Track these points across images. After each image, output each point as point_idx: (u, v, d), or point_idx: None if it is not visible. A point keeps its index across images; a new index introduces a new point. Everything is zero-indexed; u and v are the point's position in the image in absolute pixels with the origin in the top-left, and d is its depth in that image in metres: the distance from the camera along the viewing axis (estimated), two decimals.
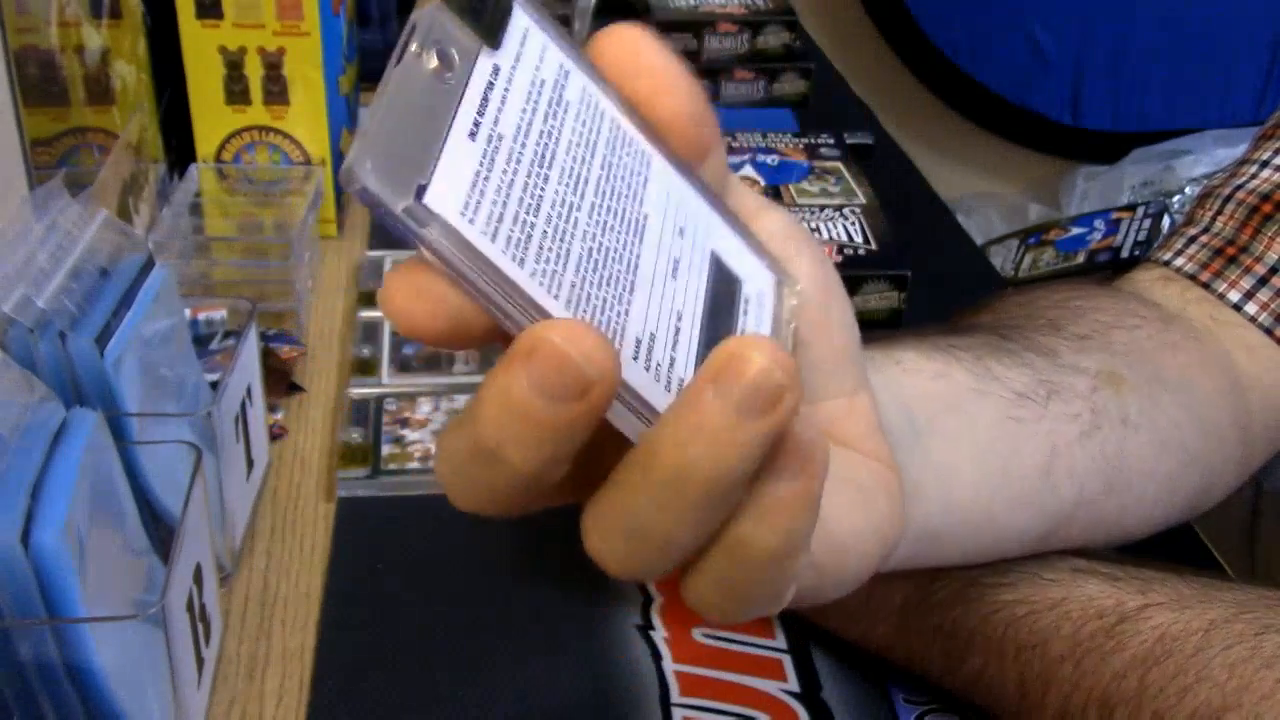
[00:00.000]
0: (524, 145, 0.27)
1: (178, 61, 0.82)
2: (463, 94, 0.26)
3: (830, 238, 0.79)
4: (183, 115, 0.84)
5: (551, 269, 0.26)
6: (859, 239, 0.79)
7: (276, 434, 0.66)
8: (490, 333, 0.26)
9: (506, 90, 0.27)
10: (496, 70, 0.27)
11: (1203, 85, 1.96)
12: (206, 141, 0.85)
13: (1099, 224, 1.82)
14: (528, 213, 0.26)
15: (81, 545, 0.41)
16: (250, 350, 0.59)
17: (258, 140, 0.85)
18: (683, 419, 0.25)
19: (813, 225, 0.80)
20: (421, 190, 0.24)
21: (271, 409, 0.67)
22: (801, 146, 0.92)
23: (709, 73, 1.11)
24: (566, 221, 0.27)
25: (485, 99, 0.26)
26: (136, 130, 0.75)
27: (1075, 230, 1.82)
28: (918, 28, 1.95)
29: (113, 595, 0.44)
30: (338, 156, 0.87)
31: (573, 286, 0.26)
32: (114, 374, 0.49)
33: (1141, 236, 1.77)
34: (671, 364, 0.27)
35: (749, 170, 0.89)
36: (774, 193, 0.86)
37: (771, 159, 0.90)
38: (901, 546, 0.37)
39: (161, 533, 0.50)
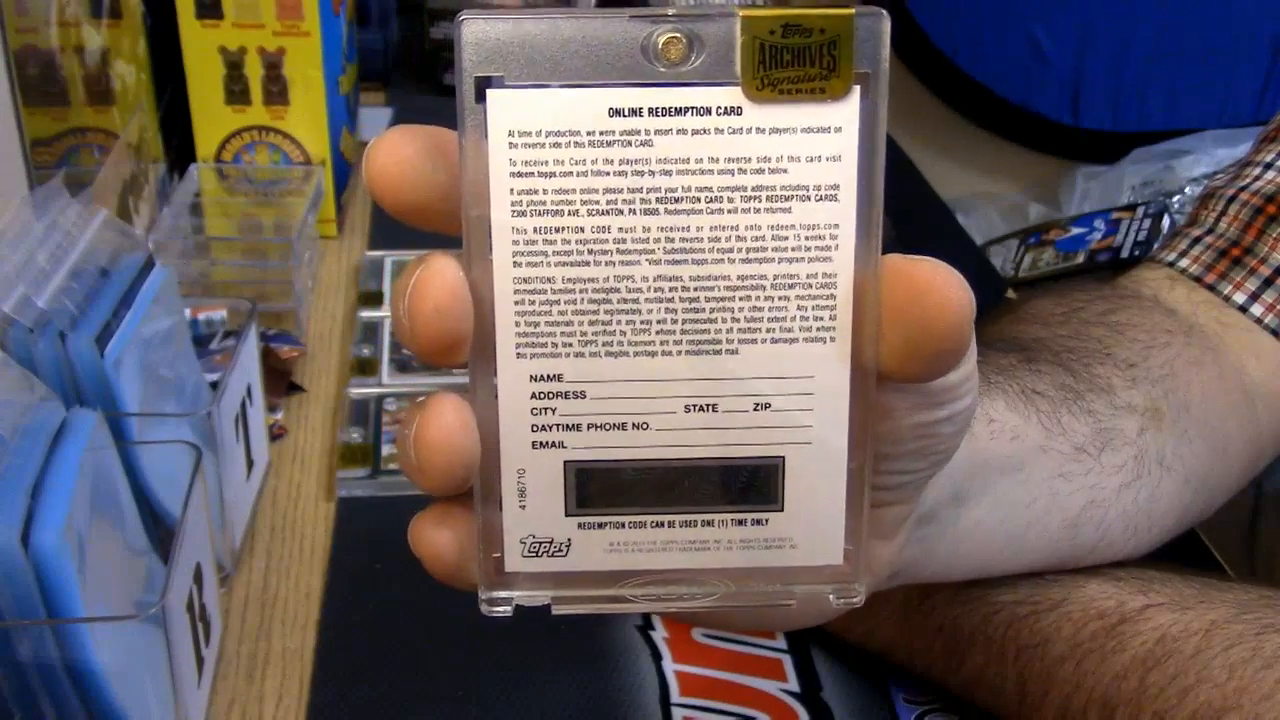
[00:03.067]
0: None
1: (178, 61, 0.82)
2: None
3: None
4: (183, 115, 0.84)
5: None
6: None
7: (276, 434, 0.66)
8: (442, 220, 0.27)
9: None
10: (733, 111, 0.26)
11: (1203, 85, 1.96)
12: (206, 141, 0.85)
13: (1099, 224, 1.81)
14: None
15: (81, 545, 0.41)
16: (250, 350, 0.59)
17: (258, 140, 0.85)
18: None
19: None
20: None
21: (271, 409, 0.67)
22: None
23: None
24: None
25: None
26: (136, 130, 0.75)
27: (1075, 230, 1.82)
28: (918, 28, 1.95)
29: (113, 595, 0.44)
30: (338, 156, 0.87)
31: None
32: (114, 374, 0.49)
33: (1141, 236, 1.76)
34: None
35: None
36: None
37: None
38: (899, 580, 0.37)
39: (161, 533, 0.50)
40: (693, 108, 0.26)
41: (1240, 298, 0.54)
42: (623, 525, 0.28)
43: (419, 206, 0.26)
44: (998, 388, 0.42)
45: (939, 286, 0.27)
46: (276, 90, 0.83)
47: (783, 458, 0.28)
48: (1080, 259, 1.80)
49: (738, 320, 0.27)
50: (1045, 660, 0.43)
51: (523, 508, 0.28)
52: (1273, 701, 0.38)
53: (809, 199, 0.26)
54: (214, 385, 0.56)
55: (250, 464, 0.59)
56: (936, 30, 1.95)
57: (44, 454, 0.42)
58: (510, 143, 0.26)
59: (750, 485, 0.28)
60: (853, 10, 0.25)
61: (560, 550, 0.29)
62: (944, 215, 1.01)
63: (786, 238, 0.27)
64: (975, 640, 0.45)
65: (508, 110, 0.25)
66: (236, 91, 0.83)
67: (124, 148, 0.72)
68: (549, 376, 0.27)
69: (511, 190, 0.26)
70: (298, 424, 0.68)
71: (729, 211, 0.26)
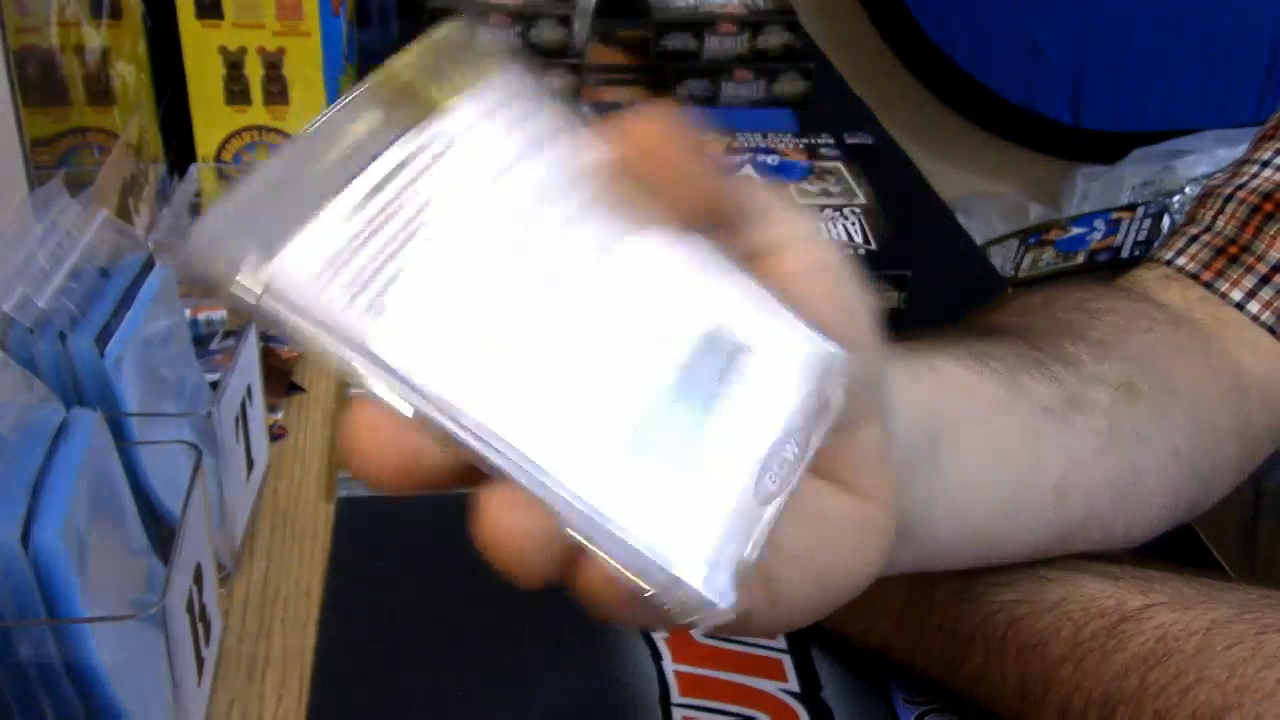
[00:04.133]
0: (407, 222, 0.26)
1: (178, 61, 0.82)
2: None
3: (830, 238, 0.79)
4: (183, 115, 0.84)
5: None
6: (859, 239, 0.79)
7: (276, 434, 0.66)
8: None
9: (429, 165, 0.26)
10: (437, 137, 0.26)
11: (1203, 85, 1.96)
12: (206, 141, 0.85)
13: (1099, 224, 1.82)
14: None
15: (81, 545, 0.41)
16: (250, 350, 0.59)
17: (258, 140, 0.85)
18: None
19: None
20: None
21: (271, 409, 0.67)
22: (801, 146, 0.92)
23: (709, 73, 1.11)
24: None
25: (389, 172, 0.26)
26: (136, 130, 0.75)
27: (1075, 230, 1.82)
28: (918, 28, 1.95)
29: (113, 595, 0.44)
30: None
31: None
32: (114, 374, 0.49)
33: (1141, 236, 1.77)
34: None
35: (749, 170, 0.89)
36: None
37: (771, 159, 0.90)
38: (901, 561, 0.37)
39: (161, 533, 0.50)
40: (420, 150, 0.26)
41: (1237, 295, 0.54)
42: None
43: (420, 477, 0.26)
44: (946, 351, 0.41)
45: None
46: (276, 90, 0.83)
47: None
48: (1080, 259, 1.80)
49: None
50: (1045, 659, 0.43)
51: None
52: (1273, 701, 0.38)
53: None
54: (214, 385, 0.56)
55: (250, 464, 0.59)
56: (936, 30, 1.95)
57: (44, 454, 0.42)
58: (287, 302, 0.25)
59: None
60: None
61: None
62: (944, 215, 1.01)
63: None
64: (975, 639, 0.45)
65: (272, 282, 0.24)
66: (236, 91, 0.83)
67: (124, 148, 0.71)
68: None
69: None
70: (298, 424, 0.68)
71: None
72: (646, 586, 0.25)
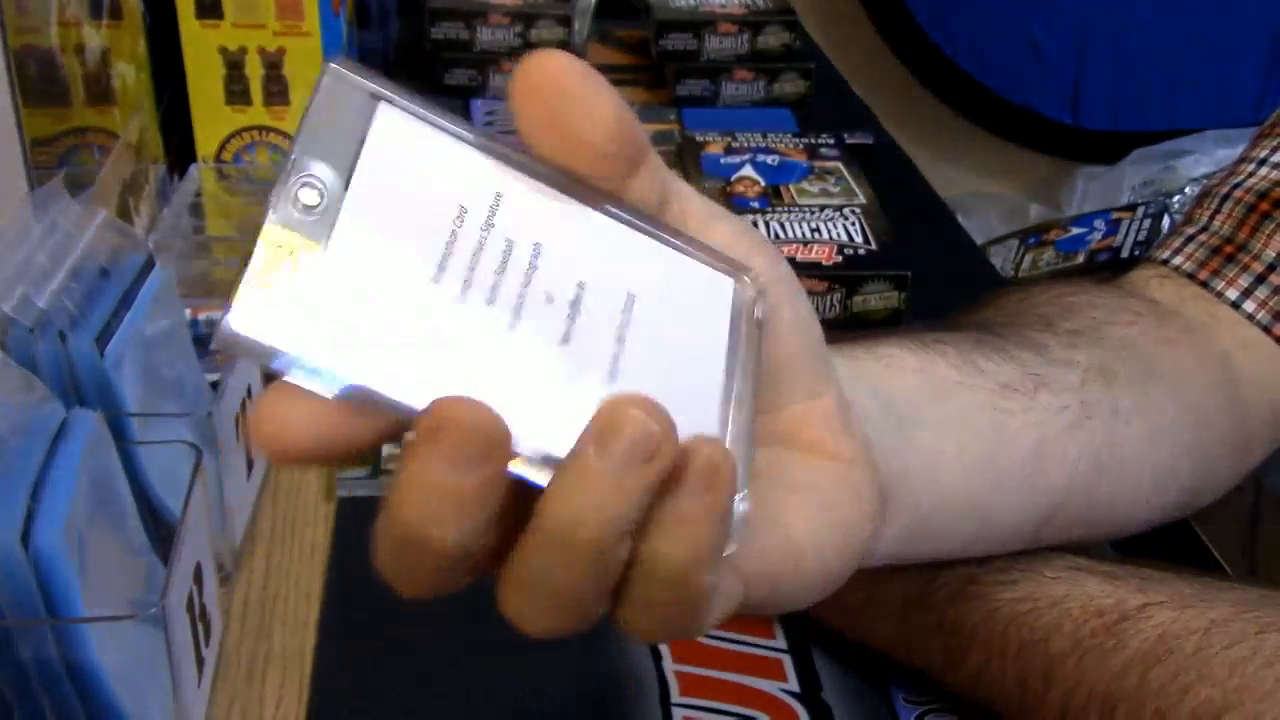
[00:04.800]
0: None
1: (178, 61, 0.82)
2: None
3: (830, 238, 0.79)
4: (183, 115, 0.84)
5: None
6: (859, 239, 0.79)
7: None
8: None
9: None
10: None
11: (1203, 85, 1.96)
12: (206, 141, 0.85)
13: (1099, 224, 1.82)
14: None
15: (81, 545, 0.41)
16: None
17: (258, 140, 0.85)
18: (569, 478, 0.26)
19: (813, 225, 0.80)
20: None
21: None
22: (801, 146, 0.92)
23: (709, 73, 1.11)
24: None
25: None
26: (136, 130, 0.75)
27: (1075, 230, 1.82)
28: (918, 28, 1.95)
29: (113, 595, 0.44)
30: None
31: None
32: (114, 374, 0.49)
33: (1141, 236, 1.77)
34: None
35: (749, 170, 0.89)
36: (774, 193, 0.86)
37: (771, 159, 0.90)
38: (891, 536, 0.37)
39: (161, 533, 0.50)
40: None
41: (1233, 294, 0.54)
42: None
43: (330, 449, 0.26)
44: (894, 340, 0.42)
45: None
46: (276, 90, 0.83)
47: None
48: (1080, 259, 1.80)
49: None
50: (1046, 657, 0.43)
51: None
52: (1273, 700, 0.38)
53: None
54: (214, 385, 0.56)
55: (250, 464, 0.59)
56: (936, 30, 1.95)
57: (44, 454, 0.42)
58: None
59: None
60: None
61: None
62: (944, 215, 1.02)
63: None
64: (976, 638, 0.45)
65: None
66: (236, 91, 0.83)
67: (124, 148, 0.72)
68: None
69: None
70: None
71: None
72: None
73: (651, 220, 0.30)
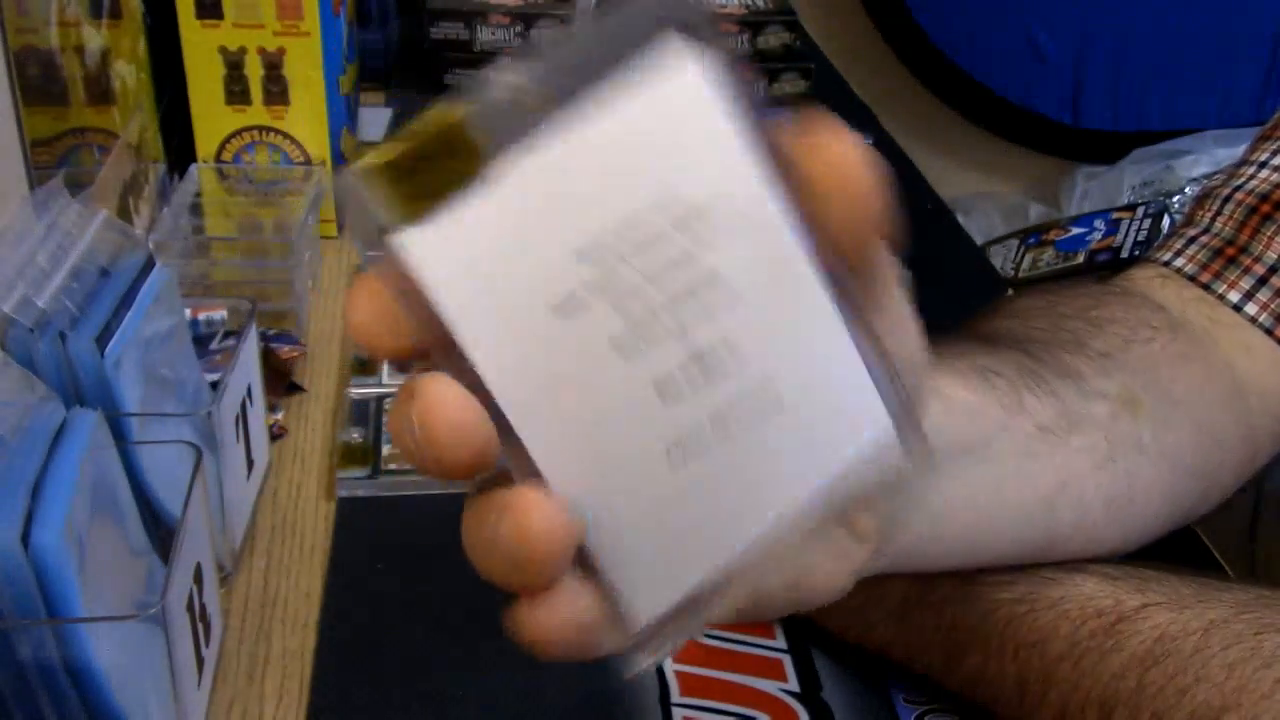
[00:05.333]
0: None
1: (178, 61, 0.82)
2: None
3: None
4: (183, 115, 0.84)
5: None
6: None
7: (276, 434, 0.66)
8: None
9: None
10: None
11: (1203, 85, 1.96)
12: (206, 141, 0.85)
13: (1099, 224, 1.82)
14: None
15: (81, 545, 0.41)
16: (250, 350, 0.59)
17: (258, 140, 0.85)
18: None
19: None
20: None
21: (271, 409, 0.67)
22: None
23: None
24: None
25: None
26: (136, 130, 0.75)
27: (1075, 230, 1.82)
28: (918, 28, 1.95)
29: (113, 595, 0.44)
30: (338, 156, 0.87)
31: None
32: (114, 374, 0.49)
33: (1141, 236, 1.77)
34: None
35: None
36: None
37: None
38: (875, 566, 0.37)
39: (161, 533, 0.50)
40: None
41: (1234, 296, 0.54)
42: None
43: (409, 352, 0.25)
44: (951, 368, 0.41)
45: (841, 153, 0.26)
46: (276, 90, 0.83)
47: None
48: (1080, 259, 1.80)
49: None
50: (1044, 659, 0.43)
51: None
52: (1271, 701, 0.38)
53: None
54: (214, 385, 0.56)
55: (250, 464, 0.59)
56: (936, 30, 1.95)
57: (44, 454, 0.42)
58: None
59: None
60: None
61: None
62: (944, 215, 1.02)
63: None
64: (974, 639, 0.45)
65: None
66: (236, 91, 0.83)
67: (124, 148, 0.72)
68: None
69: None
70: (298, 424, 0.68)
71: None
72: None
73: (857, 311, 0.27)
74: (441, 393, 0.24)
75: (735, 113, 0.25)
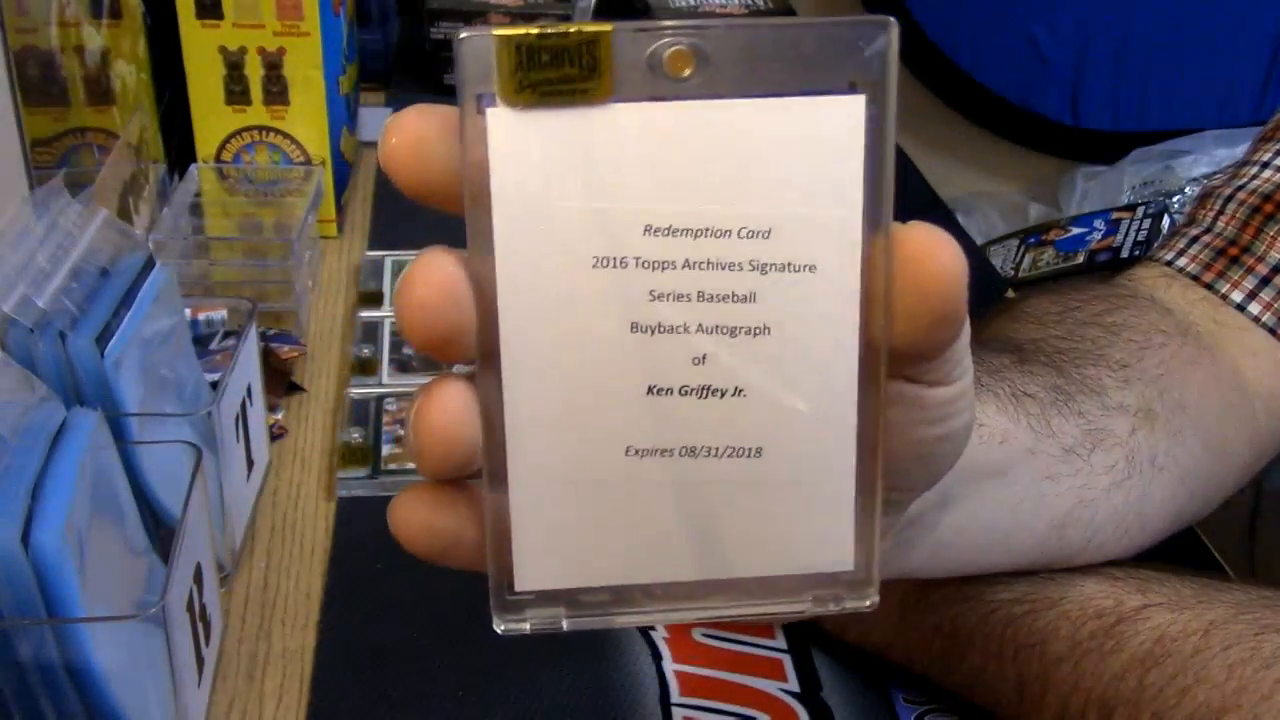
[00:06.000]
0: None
1: (178, 61, 0.82)
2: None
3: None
4: (183, 115, 0.84)
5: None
6: None
7: (276, 434, 0.66)
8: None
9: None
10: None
11: (1203, 85, 1.96)
12: (206, 141, 0.85)
13: (1099, 224, 1.81)
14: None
15: (81, 545, 0.41)
16: (250, 350, 0.59)
17: (258, 140, 0.85)
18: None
19: None
20: None
21: (271, 409, 0.67)
22: None
23: None
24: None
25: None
26: (136, 130, 0.75)
27: (1075, 230, 1.82)
28: (918, 28, 1.94)
29: (113, 595, 0.44)
30: (338, 156, 0.87)
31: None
32: (114, 374, 0.49)
33: (1141, 236, 1.76)
34: None
35: None
36: None
37: None
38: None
39: (161, 533, 0.50)
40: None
41: (1238, 296, 0.54)
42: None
43: (433, 186, 0.26)
44: (988, 390, 0.42)
45: (933, 251, 0.26)
46: (276, 90, 0.83)
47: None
48: (1080, 259, 1.80)
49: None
50: (1044, 659, 0.43)
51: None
52: (1271, 702, 0.38)
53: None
54: (214, 385, 0.56)
55: (250, 464, 0.59)
56: (936, 30, 1.95)
57: (44, 454, 0.42)
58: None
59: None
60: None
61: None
62: (944, 215, 1.02)
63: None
64: (973, 639, 0.45)
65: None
66: (236, 91, 0.83)
67: (124, 148, 0.72)
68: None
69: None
70: (298, 424, 0.68)
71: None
72: None
73: (876, 405, 0.27)
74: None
75: (868, 169, 0.25)
